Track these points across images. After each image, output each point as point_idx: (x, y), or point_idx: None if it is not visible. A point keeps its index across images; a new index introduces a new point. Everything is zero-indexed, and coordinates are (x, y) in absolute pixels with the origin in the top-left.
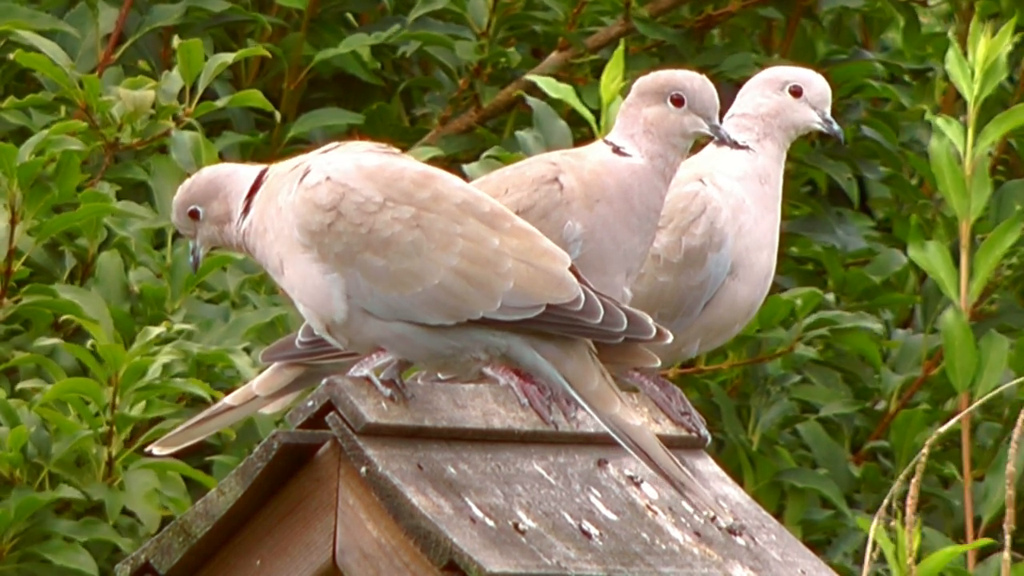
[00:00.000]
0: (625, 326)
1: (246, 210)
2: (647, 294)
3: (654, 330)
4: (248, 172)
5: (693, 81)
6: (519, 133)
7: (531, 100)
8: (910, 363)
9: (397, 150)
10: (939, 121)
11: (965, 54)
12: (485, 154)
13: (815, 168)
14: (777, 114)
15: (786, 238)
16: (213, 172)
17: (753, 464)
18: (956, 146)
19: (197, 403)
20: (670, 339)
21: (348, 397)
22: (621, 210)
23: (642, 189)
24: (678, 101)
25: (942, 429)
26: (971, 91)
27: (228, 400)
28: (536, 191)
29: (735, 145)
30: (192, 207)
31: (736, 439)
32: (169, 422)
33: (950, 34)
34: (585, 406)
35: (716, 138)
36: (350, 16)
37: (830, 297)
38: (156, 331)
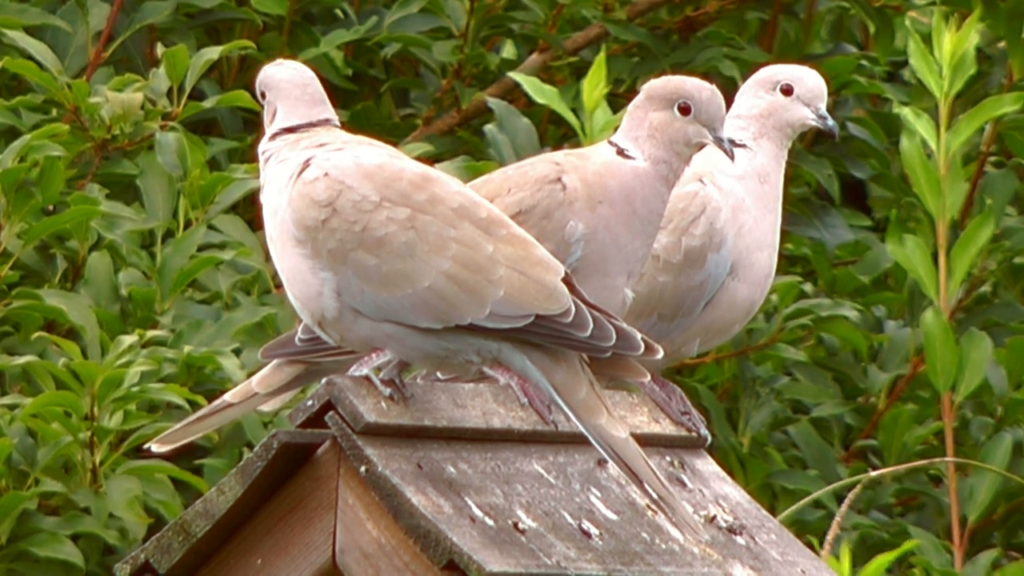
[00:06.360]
0: (614, 341)
1: (274, 136)
2: (647, 294)
3: (642, 346)
4: (303, 111)
5: (702, 92)
6: (487, 127)
7: (492, 101)
8: (898, 359)
9: (400, 152)
10: (909, 115)
11: (930, 48)
12: (459, 160)
13: (796, 165)
14: (770, 114)
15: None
16: (289, 82)
17: (744, 466)
18: (929, 144)
19: (177, 408)
20: (660, 354)
21: (348, 396)
22: (623, 212)
23: (644, 192)
24: (685, 110)
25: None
26: (939, 87)
27: (228, 397)
28: (539, 191)
29: (733, 152)
30: (264, 89)
31: (726, 442)
32: (150, 427)
33: (907, 23)
34: (571, 415)
35: (719, 149)
36: (339, 12)
37: (807, 288)
38: (129, 340)
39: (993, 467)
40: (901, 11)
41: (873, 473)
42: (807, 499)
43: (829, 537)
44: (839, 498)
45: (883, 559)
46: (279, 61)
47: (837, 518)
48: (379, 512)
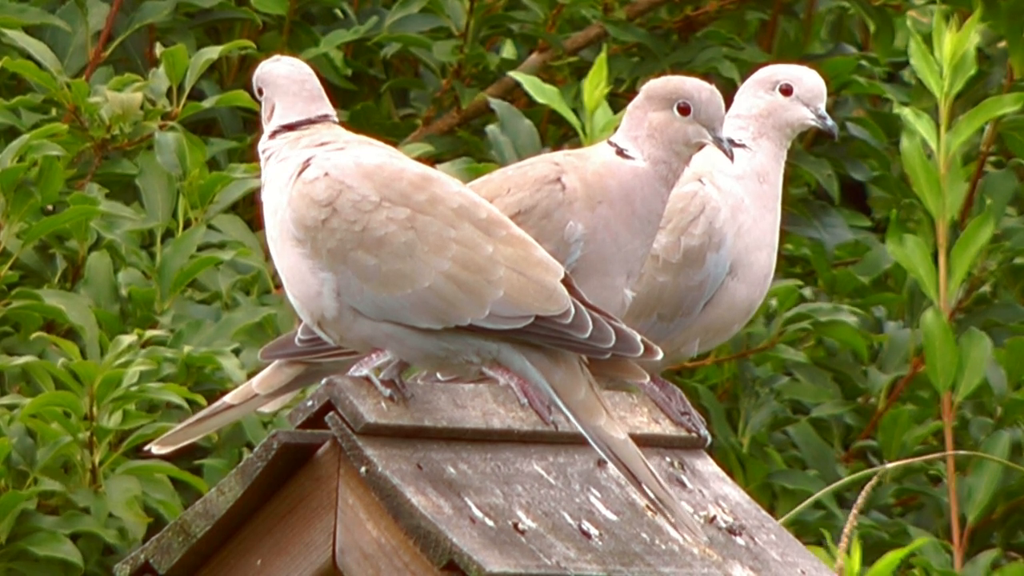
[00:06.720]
0: (613, 342)
1: (274, 134)
2: (646, 294)
3: (642, 348)
4: (301, 107)
5: (702, 92)
6: (489, 128)
7: (494, 102)
8: (898, 359)
9: (401, 153)
10: (909, 115)
11: (931, 48)
12: (459, 161)
13: (796, 165)
14: (770, 114)
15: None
16: (287, 78)
17: (743, 466)
18: (929, 144)
19: (176, 408)
20: (660, 356)
21: (348, 397)
22: (623, 212)
23: (644, 192)
24: (685, 110)
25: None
26: (940, 87)
27: (228, 399)
28: (538, 191)
29: (732, 152)
30: (260, 85)
31: (726, 442)
32: (149, 427)
33: (908, 23)
34: (570, 416)
35: (719, 150)
36: (339, 12)
37: (807, 292)
38: (128, 340)
39: (997, 458)
40: (901, 11)
41: (889, 466)
42: (810, 499)
43: (847, 530)
44: (839, 498)
45: (893, 557)
46: (276, 57)
47: (854, 510)
48: (379, 512)
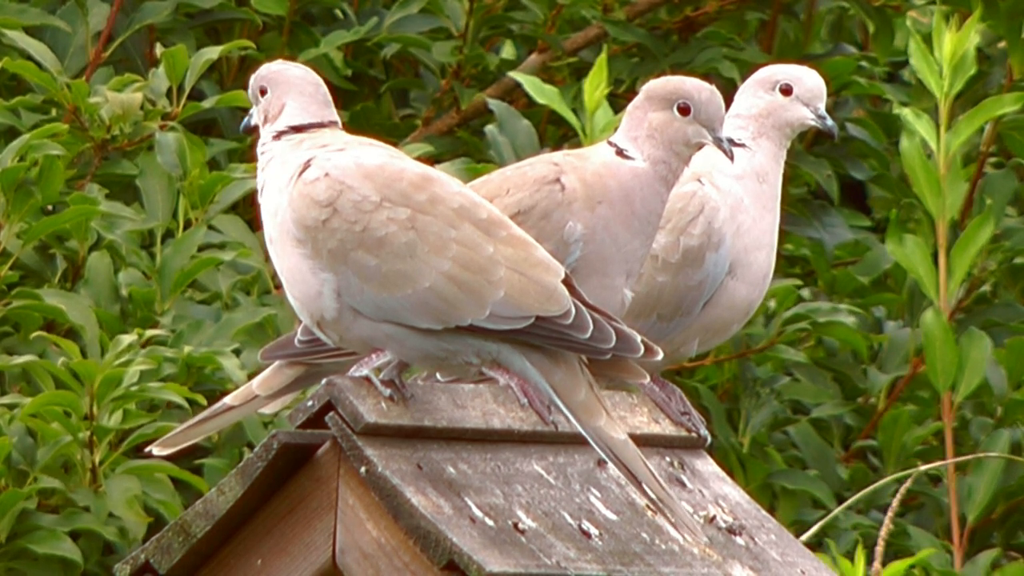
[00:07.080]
0: (613, 343)
1: (279, 135)
2: (646, 294)
3: (642, 348)
4: (315, 109)
5: (702, 92)
6: (488, 128)
7: (492, 102)
8: (898, 359)
9: (402, 153)
10: (908, 115)
11: (931, 48)
12: (459, 161)
13: (796, 165)
14: (769, 114)
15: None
16: (302, 79)
17: (744, 466)
18: (929, 144)
19: (177, 407)
20: (660, 356)
21: (348, 397)
22: (622, 212)
23: (644, 192)
24: (685, 110)
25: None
26: (940, 87)
27: (228, 400)
28: (538, 191)
29: (732, 152)
30: (265, 85)
31: (726, 442)
32: (149, 426)
33: (908, 24)
34: (570, 416)
35: (718, 150)
36: (339, 12)
37: (805, 292)
38: (128, 340)
39: (998, 454)
40: (901, 11)
41: (923, 467)
42: (839, 508)
43: (883, 533)
44: (840, 498)
45: (899, 566)
46: (282, 61)
47: (889, 513)
48: (379, 512)
